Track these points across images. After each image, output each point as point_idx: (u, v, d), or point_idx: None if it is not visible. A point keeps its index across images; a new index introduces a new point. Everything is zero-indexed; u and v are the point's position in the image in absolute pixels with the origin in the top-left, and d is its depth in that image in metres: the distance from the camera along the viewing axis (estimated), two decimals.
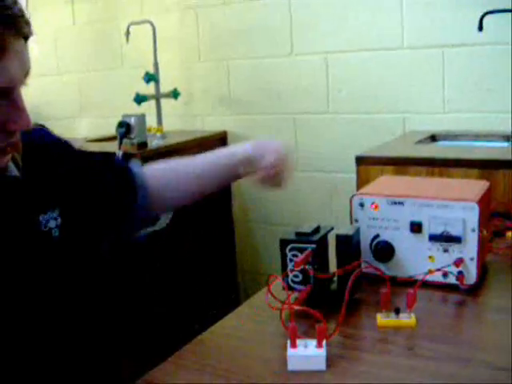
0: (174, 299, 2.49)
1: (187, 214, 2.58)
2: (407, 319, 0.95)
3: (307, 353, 0.83)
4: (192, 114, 2.93)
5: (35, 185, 0.92)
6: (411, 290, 0.95)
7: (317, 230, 1.05)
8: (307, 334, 0.91)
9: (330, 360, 0.84)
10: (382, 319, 0.96)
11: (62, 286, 0.93)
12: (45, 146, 0.99)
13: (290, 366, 0.83)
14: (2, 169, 0.86)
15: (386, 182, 1.25)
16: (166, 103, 2.79)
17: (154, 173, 1.18)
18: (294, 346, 0.84)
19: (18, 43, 0.79)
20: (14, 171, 0.89)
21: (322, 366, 0.82)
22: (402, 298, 0.96)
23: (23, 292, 0.87)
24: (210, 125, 2.88)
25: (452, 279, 1.08)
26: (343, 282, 1.00)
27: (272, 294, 0.94)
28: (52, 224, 0.92)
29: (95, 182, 1.04)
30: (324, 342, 0.84)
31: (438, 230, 1.08)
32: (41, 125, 1.02)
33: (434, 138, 2.19)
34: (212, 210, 2.69)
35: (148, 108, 2.72)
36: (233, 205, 2.87)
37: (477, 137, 2.13)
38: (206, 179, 1.19)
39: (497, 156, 1.70)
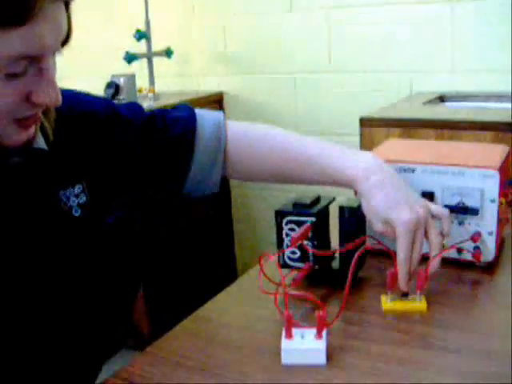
0: (170, 269, 2.39)
1: None
2: (417, 303, 0.84)
3: (304, 345, 0.72)
4: (186, 74, 2.79)
5: (61, 158, 0.84)
6: (422, 270, 0.84)
7: (317, 200, 0.93)
8: (305, 319, 0.80)
9: (331, 352, 0.73)
10: (388, 302, 0.85)
11: (75, 270, 0.86)
12: (81, 115, 0.90)
13: (285, 360, 0.72)
14: (28, 141, 0.77)
15: (394, 146, 1.13)
16: (158, 63, 2.65)
17: (244, 139, 1.01)
18: (289, 336, 0.73)
19: (52, 6, 0.68)
20: (41, 143, 0.81)
21: (322, 360, 0.72)
22: (410, 279, 0.84)
23: (36, 272, 0.81)
24: (206, 85, 2.75)
25: (467, 256, 0.97)
26: (346, 260, 0.89)
27: (265, 275, 0.82)
28: (73, 202, 0.84)
29: (130, 152, 0.94)
30: (324, 333, 0.73)
31: (453, 201, 0.96)
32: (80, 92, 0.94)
33: (442, 99, 2.06)
34: None
35: (140, 68, 2.58)
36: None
37: (488, 98, 2.00)
38: (291, 173, 0.98)
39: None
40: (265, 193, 2.70)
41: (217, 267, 2.67)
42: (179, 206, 2.42)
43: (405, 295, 0.85)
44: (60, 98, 0.72)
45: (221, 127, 0.99)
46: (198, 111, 1.00)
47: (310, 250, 0.89)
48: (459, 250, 0.97)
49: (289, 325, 0.72)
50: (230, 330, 0.81)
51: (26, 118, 0.73)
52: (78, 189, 0.84)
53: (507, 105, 1.88)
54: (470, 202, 0.95)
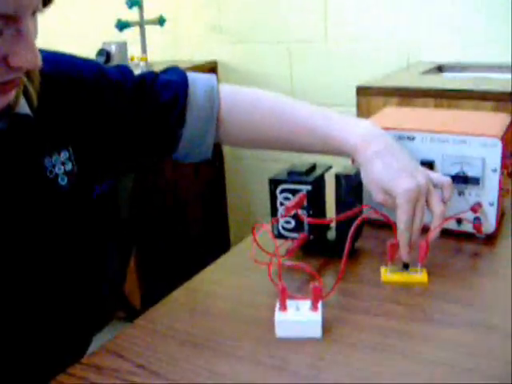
0: (162, 240, 2.36)
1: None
2: (418, 275, 0.81)
3: (299, 317, 0.69)
4: (179, 43, 2.73)
5: (46, 123, 0.79)
6: (423, 241, 0.81)
7: (312, 168, 0.90)
8: (300, 291, 0.77)
9: (327, 325, 0.70)
10: (387, 274, 0.82)
11: (61, 239, 0.82)
12: (68, 78, 0.84)
13: (279, 333, 0.69)
14: (9, 107, 0.72)
15: (393, 114, 1.09)
16: (151, 31, 2.59)
17: (238, 104, 0.96)
18: (283, 308, 0.70)
19: None
20: (24, 109, 0.76)
21: (318, 333, 0.69)
22: (412, 250, 0.81)
23: (20, 241, 0.77)
24: (200, 55, 2.69)
25: (467, 227, 0.94)
26: (343, 230, 0.85)
27: (258, 246, 0.79)
28: (59, 169, 0.79)
29: (119, 117, 0.89)
30: (320, 305, 0.70)
31: (453, 170, 0.93)
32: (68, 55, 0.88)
33: (441, 69, 2.01)
34: None
35: (132, 37, 2.52)
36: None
37: (488, 68, 1.95)
38: (287, 141, 0.94)
39: None
40: (259, 163, 2.66)
41: (210, 238, 2.64)
42: (172, 178, 2.39)
43: (405, 267, 0.82)
44: (39, 61, 0.67)
45: (213, 92, 0.94)
46: (190, 75, 0.96)
47: (305, 220, 0.85)
48: (459, 221, 0.94)
49: (283, 296, 0.69)
50: (222, 301, 0.78)
51: (4, 82, 0.68)
52: (64, 156, 0.80)
53: (507, 75, 1.84)
54: (471, 172, 0.92)
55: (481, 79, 1.82)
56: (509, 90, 1.54)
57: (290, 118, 0.91)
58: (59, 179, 0.79)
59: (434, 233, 0.81)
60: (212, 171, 2.67)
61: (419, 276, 0.81)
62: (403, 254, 0.80)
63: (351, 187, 0.86)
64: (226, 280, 0.84)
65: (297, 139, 0.91)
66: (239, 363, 0.65)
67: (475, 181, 0.92)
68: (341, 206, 0.86)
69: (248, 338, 0.69)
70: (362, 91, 1.68)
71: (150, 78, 0.93)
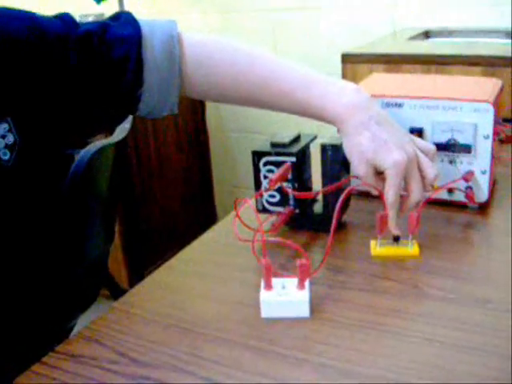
0: (148, 216, 2.32)
1: (157, 124, 2.39)
2: (409, 248, 0.78)
3: (285, 297, 0.65)
4: (158, 14, 2.65)
5: None
6: (414, 212, 0.77)
7: (297, 139, 0.85)
8: (286, 268, 0.74)
9: (315, 304, 0.67)
10: (377, 248, 0.78)
11: (14, 220, 0.78)
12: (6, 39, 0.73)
13: (264, 313, 0.65)
14: None
15: (380, 80, 1.05)
16: (130, 3, 2.51)
17: (203, 54, 0.84)
18: (268, 287, 0.66)
19: None
20: None
21: (305, 312, 0.65)
22: (401, 222, 0.78)
23: None
24: (180, 25, 2.61)
25: (459, 196, 0.90)
26: (330, 203, 0.82)
27: (241, 221, 0.75)
28: None
29: (63, 78, 0.78)
30: (307, 283, 0.66)
31: (443, 138, 0.89)
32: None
33: (427, 35, 1.96)
34: (184, 118, 2.48)
35: (110, 9, 2.44)
36: (206, 113, 2.66)
37: (475, 33, 1.90)
38: (260, 100, 0.84)
39: (502, 53, 1.49)
40: (244, 135, 2.61)
41: (196, 214, 2.60)
42: (155, 152, 2.34)
43: (395, 240, 0.78)
44: None
45: (173, 43, 0.81)
46: (145, 23, 0.82)
47: (290, 193, 0.81)
48: (450, 191, 0.91)
49: (267, 275, 0.65)
50: (205, 281, 0.75)
51: None
52: (3, 129, 0.73)
53: (496, 40, 1.79)
54: (462, 139, 0.88)
55: (469, 44, 1.77)
56: (499, 53, 1.50)
57: (264, 76, 0.82)
58: (0, 154, 0.73)
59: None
60: (196, 144, 2.62)
61: (410, 249, 0.78)
62: (392, 227, 0.77)
63: (338, 158, 0.82)
64: (209, 258, 0.80)
65: (270, 101, 0.82)
66: (224, 347, 0.61)
67: (466, 148, 0.88)
68: (327, 177, 0.82)
69: (233, 320, 0.66)
70: (348, 59, 1.63)
71: (97, 30, 0.79)
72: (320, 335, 0.62)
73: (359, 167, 0.76)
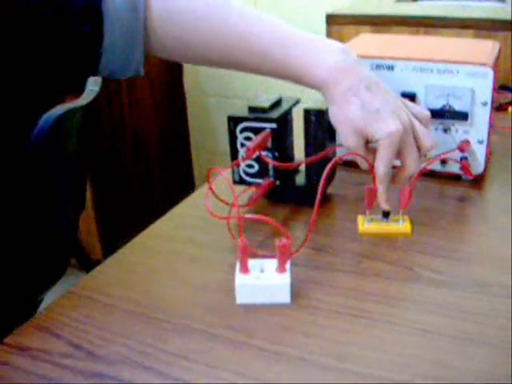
0: (123, 186, 2.23)
1: (131, 88, 2.28)
2: (400, 224, 0.71)
3: (264, 280, 0.58)
4: None
5: None
6: (407, 185, 0.70)
7: (278, 103, 0.77)
8: (265, 247, 0.66)
9: (296, 288, 0.59)
10: (365, 224, 0.71)
11: None
12: None
13: (240, 299, 0.58)
14: None
15: (369, 41, 0.97)
16: None
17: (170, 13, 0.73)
18: (244, 270, 0.59)
19: None
20: None
21: (286, 298, 0.58)
22: (392, 196, 0.70)
23: None
24: None
25: (452, 168, 0.84)
26: (313, 175, 0.74)
27: (215, 195, 0.68)
28: None
29: (13, 39, 0.68)
30: (288, 265, 0.59)
31: (438, 104, 0.81)
32: None
33: None
34: (160, 82, 2.38)
35: None
36: (184, 76, 2.55)
37: None
38: (235, 60, 0.73)
39: (495, 15, 1.41)
40: (223, 100, 2.52)
41: (173, 182, 2.52)
42: (129, 116, 2.24)
43: (385, 216, 0.71)
44: None
45: None
46: None
47: (270, 163, 0.74)
48: (443, 162, 0.84)
49: (244, 256, 0.58)
50: (175, 261, 0.67)
51: None
52: None
53: (488, 3, 1.71)
54: (458, 105, 0.81)
55: (459, 6, 1.69)
56: (491, 17, 1.42)
57: (240, 31, 0.72)
58: None
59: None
60: (173, 109, 2.53)
61: (401, 226, 0.71)
62: (382, 202, 0.70)
63: (323, 124, 0.74)
64: (179, 236, 0.72)
65: (246, 60, 0.72)
66: (193, 338, 0.54)
67: (463, 116, 0.81)
68: (311, 146, 0.74)
69: (204, 307, 0.58)
70: (333, 20, 1.54)
71: None
72: (301, 325, 0.55)
73: (348, 138, 0.69)
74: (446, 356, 0.51)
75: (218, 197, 0.68)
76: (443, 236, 0.69)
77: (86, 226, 2.10)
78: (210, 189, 0.65)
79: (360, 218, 0.72)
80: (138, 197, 2.33)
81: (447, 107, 0.81)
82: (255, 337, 0.54)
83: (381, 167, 0.67)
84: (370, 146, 0.69)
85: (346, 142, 0.69)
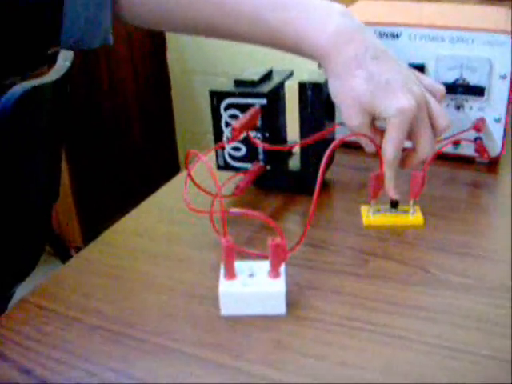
0: (105, 168, 2.12)
1: (111, 65, 2.16)
2: (410, 215, 0.61)
3: (253, 287, 0.48)
4: None
5: None
6: (417, 171, 0.60)
7: (268, 76, 0.67)
8: (255, 244, 0.57)
9: (292, 294, 0.50)
10: (370, 216, 0.62)
11: None
12: None
13: (225, 310, 0.48)
14: None
15: (370, 7, 0.86)
16: None
17: None
18: (230, 274, 0.49)
19: None
20: None
21: (281, 308, 0.48)
22: (400, 182, 0.61)
23: None
24: None
25: (465, 149, 0.74)
26: (310, 158, 0.64)
27: (194, 183, 0.58)
28: None
29: None
30: (282, 268, 0.49)
31: (450, 77, 0.72)
32: None
33: None
34: (143, 59, 2.26)
35: None
36: (168, 53, 2.43)
37: None
38: (217, 25, 0.63)
39: None
40: (210, 78, 2.40)
41: (157, 165, 2.41)
42: (109, 94, 2.12)
43: (393, 206, 0.61)
44: None
45: None
46: None
47: (260, 145, 0.64)
48: (455, 143, 0.74)
49: (229, 257, 0.48)
50: (147, 263, 0.57)
51: None
52: None
53: None
54: (474, 79, 0.71)
55: None
56: None
57: (234, 3, 0.61)
58: None
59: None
60: (156, 88, 2.41)
61: (412, 217, 0.61)
62: (390, 190, 0.60)
63: (320, 100, 0.64)
64: (154, 231, 0.62)
65: (230, 26, 0.62)
66: (167, 360, 0.44)
67: (478, 90, 0.71)
68: (307, 125, 0.64)
69: (182, 320, 0.48)
70: None
71: None
72: (299, 342, 0.45)
73: (352, 116, 0.58)
74: (472, 372, 0.41)
75: (198, 186, 0.58)
76: (459, 229, 0.60)
77: (64, 211, 1.99)
78: (189, 176, 0.55)
79: (364, 209, 0.63)
80: (120, 180, 2.22)
81: (460, 81, 0.71)
82: (243, 358, 0.44)
83: (389, 149, 0.58)
84: (376, 124, 0.59)
85: (350, 120, 0.59)
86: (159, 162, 2.44)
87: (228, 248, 0.47)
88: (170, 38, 2.37)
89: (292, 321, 0.47)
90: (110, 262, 0.57)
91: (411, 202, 0.61)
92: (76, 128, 1.98)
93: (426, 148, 0.59)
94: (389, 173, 0.59)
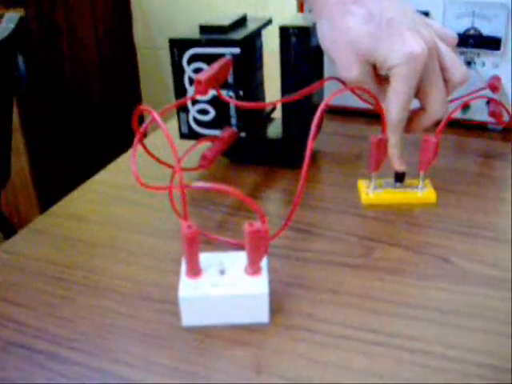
0: (60, 141, 1.98)
1: (73, 38, 2.01)
2: (419, 191, 0.50)
3: (225, 288, 0.36)
4: None
5: None
6: (431, 135, 0.48)
7: (241, 22, 0.55)
8: (227, 228, 0.45)
9: (276, 297, 0.38)
10: (369, 192, 0.50)
11: None
12: None
13: (187, 319, 0.36)
14: None
15: None
16: None
17: None
18: (193, 271, 0.36)
19: None
20: None
21: (262, 315, 0.36)
22: (405, 152, 0.49)
23: None
24: None
25: (476, 114, 0.63)
26: (294, 122, 0.52)
27: (149, 153, 0.45)
28: None
29: None
30: (264, 262, 0.37)
31: (460, 27, 0.60)
32: None
33: None
34: (109, 35, 2.11)
35: None
36: (134, 28, 2.29)
37: None
38: None
39: None
40: None
41: (124, 144, 2.26)
42: (72, 77, 1.97)
43: (398, 179, 0.50)
44: None
45: None
46: None
47: (232, 103, 0.51)
48: (465, 107, 0.63)
49: (192, 248, 0.35)
50: (87, 256, 0.44)
51: None
52: None
53: None
54: (488, 29, 0.59)
55: None
56: None
57: None
58: None
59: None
60: (122, 65, 2.26)
61: (421, 193, 0.49)
62: (395, 159, 0.48)
63: (306, 49, 0.51)
64: (100, 214, 0.50)
65: None
66: None
67: (493, 43, 0.59)
68: (290, 80, 0.52)
69: (128, 333, 0.36)
70: None
71: None
72: (285, 362, 0.33)
73: (349, 67, 0.46)
74: None
75: (152, 154, 0.46)
76: (479, 207, 0.48)
77: (23, 192, 1.85)
78: (140, 142, 0.42)
79: (361, 184, 0.51)
80: (81, 158, 2.07)
81: (472, 31, 0.60)
82: (211, 379, 0.32)
83: (395, 108, 0.46)
84: (382, 74, 0.47)
85: (346, 70, 0.46)
86: (125, 141, 2.29)
87: (190, 235, 0.34)
88: (137, 11, 2.23)
89: (276, 332, 0.35)
90: (39, 255, 0.44)
91: (420, 174, 0.49)
92: (31, 102, 1.83)
93: (438, 105, 0.47)
94: (393, 138, 0.47)
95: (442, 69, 0.47)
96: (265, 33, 0.56)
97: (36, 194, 1.89)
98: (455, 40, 0.51)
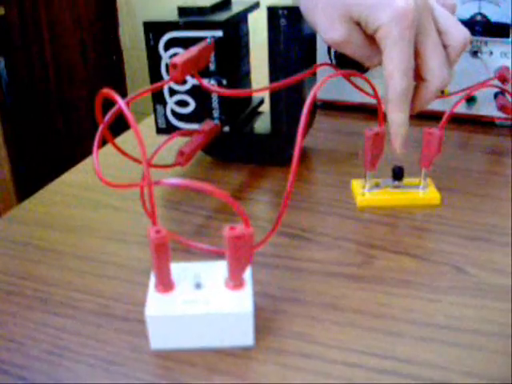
0: (37, 137, 1.92)
1: (57, 43, 1.96)
2: (421, 191, 0.44)
3: (201, 306, 0.30)
4: None
5: None
6: (432, 128, 0.43)
7: (225, 4, 0.49)
8: (205, 234, 0.39)
9: (261, 315, 0.32)
10: (364, 193, 0.44)
11: None
12: None
13: (155, 342, 0.30)
14: None
15: None
16: None
17: None
18: (163, 286, 0.31)
19: None
20: None
21: (246, 337, 0.30)
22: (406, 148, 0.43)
23: None
24: None
25: (483, 108, 0.57)
26: (283, 114, 0.47)
27: (118, 149, 0.39)
28: None
29: None
30: (248, 273, 0.31)
31: (465, 12, 0.55)
32: None
33: None
34: (95, 37, 2.06)
35: None
36: (120, 30, 2.23)
37: None
38: None
39: None
40: None
41: (105, 142, 2.20)
42: (56, 82, 1.92)
43: (397, 177, 0.44)
44: None
45: None
46: None
47: (214, 92, 0.46)
48: (469, 100, 0.58)
49: (161, 257, 0.30)
50: (44, 265, 0.38)
51: None
52: None
53: None
54: (496, 14, 0.54)
55: None
56: None
57: None
58: None
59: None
60: (109, 69, 2.21)
61: (423, 193, 0.44)
62: (396, 141, 0.42)
63: (297, 32, 0.46)
64: (62, 219, 0.44)
65: None
66: None
67: (502, 30, 0.54)
68: (280, 67, 0.47)
69: (90, 357, 0.30)
70: None
71: None
72: None
73: (332, 25, 0.40)
74: None
75: (119, 148, 0.40)
76: (487, 209, 0.43)
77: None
78: (103, 134, 0.36)
79: (355, 184, 0.45)
80: (68, 165, 2.02)
81: (478, 17, 0.55)
82: None
83: (395, 76, 0.40)
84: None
85: (329, 31, 0.41)
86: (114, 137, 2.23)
87: (158, 241, 0.28)
88: (123, 13, 2.18)
89: (263, 357, 0.30)
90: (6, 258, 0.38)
91: (422, 172, 0.44)
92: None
93: (438, 70, 0.41)
94: (398, 115, 0.41)
95: (439, 32, 0.42)
96: (253, 23, 0.51)
97: (14, 185, 1.83)
98: (453, 5, 0.45)
